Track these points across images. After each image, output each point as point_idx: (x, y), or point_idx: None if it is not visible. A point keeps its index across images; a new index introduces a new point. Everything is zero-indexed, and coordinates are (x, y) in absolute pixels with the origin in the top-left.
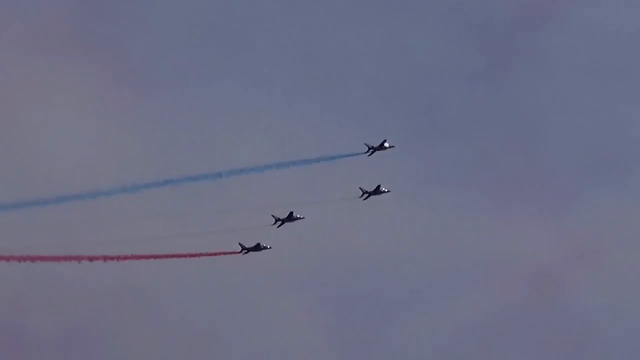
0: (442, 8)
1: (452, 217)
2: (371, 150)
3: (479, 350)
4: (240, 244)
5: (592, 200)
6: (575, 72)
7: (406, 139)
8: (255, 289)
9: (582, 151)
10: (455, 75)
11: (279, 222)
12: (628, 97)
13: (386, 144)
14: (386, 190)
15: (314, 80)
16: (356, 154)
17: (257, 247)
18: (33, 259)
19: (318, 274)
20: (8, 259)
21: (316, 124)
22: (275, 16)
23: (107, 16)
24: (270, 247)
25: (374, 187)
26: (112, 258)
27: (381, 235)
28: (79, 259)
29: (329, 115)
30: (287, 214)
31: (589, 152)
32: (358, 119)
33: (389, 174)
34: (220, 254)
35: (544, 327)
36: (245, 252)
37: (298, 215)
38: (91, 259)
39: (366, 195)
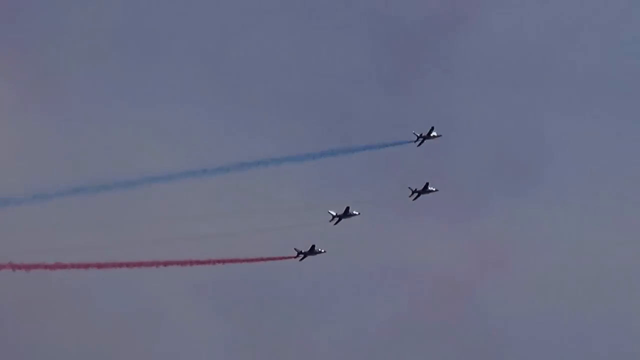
0: (352, 12)
1: (358, 223)
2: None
3: (384, 357)
4: (295, 248)
5: (499, 207)
6: (484, 77)
7: (316, 146)
8: (166, 296)
9: (489, 158)
10: (366, 81)
11: (336, 219)
12: (536, 104)
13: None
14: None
15: (224, 88)
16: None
17: (312, 251)
18: None
19: (221, 279)
20: None
21: (226, 132)
22: (186, 22)
23: (20, 21)
24: (325, 251)
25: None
26: (20, 267)
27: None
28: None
29: (237, 123)
30: (344, 209)
31: (496, 159)
32: (268, 126)
33: (293, 181)
34: (277, 258)
35: (449, 333)
36: (302, 258)
37: (354, 212)
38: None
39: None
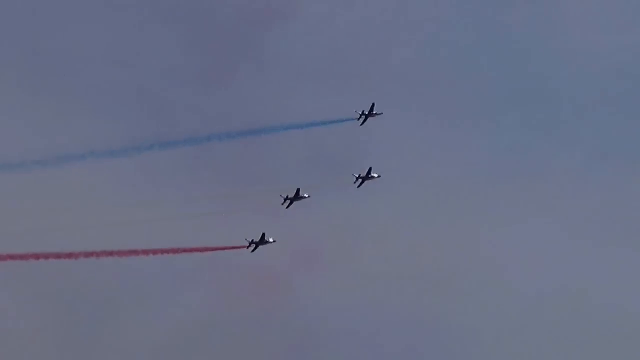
0: (167, 5)
1: (175, 217)
2: None
3: (202, 350)
4: (246, 239)
5: (319, 201)
6: (301, 72)
7: (131, 141)
8: None
9: (302, 151)
10: (182, 75)
11: (288, 202)
12: (353, 99)
13: None
14: (306, 196)
15: (46, 80)
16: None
17: (263, 241)
18: None
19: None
20: None
21: (46, 125)
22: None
23: None
24: (275, 241)
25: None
26: None
27: (103, 232)
28: None
29: (57, 116)
30: (295, 192)
31: (311, 153)
32: (86, 119)
33: (105, 177)
34: (228, 248)
35: (268, 326)
36: (255, 249)
37: (305, 195)
38: None
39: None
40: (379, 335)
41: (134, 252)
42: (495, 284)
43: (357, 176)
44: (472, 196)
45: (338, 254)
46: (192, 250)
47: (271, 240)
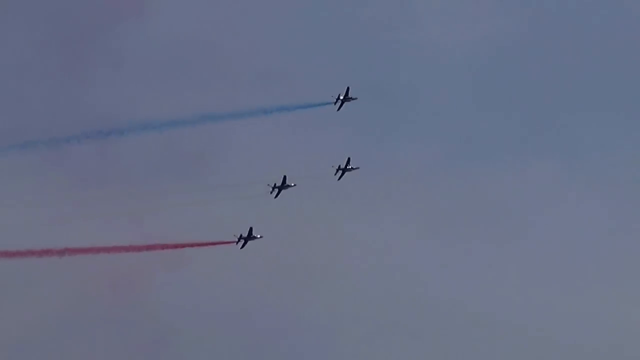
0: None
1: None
2: None
3: (50, 349)
4: (235, 234)
5: (173, 201)
6: (154, 72)
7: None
8: None
9: (159, 152)
10: (33, 72)
11: (276, 190)
12: (210, 101)
13: None
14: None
15: None
16: None
17: (250, 236)
18: None
19: None
20: None
21: None
22: None
23: None
24: (262, 236)
25: None
26: None
27: None
28: None
29: None
30: (282, 180)
31: (171, 155)
32: None
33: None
34: (216, 243)
35: (121, 326)
36: (244, 244)
37: (291, 183)
38: None
39: None
40: (235, 333)
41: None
42: (335, 282)
43: (337, 167)
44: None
45: (195, 253)
46: (180, 246)
47: (258, 235)
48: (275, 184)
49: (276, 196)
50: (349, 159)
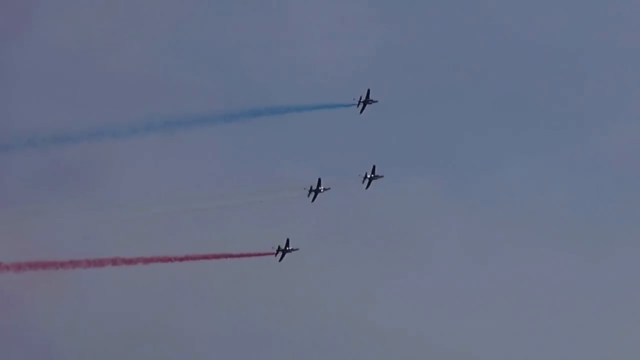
0: None
1: None
2: None
3: None
4: (273, 246)
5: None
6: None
7: None
8: None
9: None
10: None
11: (312, 194)
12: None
13: None
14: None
15: None
16: None
17: (287, 248)
18: None
19: None
20: None
21: None
22: None
23: None
24: (298, 249)
25: None
26: None
27: None
28: None
29: None
30: (317, 182)
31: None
32: None
33: None
34: (255, 255)
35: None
36: (282, 257)
37: (327, 187)
38: None
39: None
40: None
41: None
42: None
43: (364, 176)
44: None
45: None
46: (221, 257)
47: (295, 248)
48: (311, 187)
49: (313, 200)
50: None
